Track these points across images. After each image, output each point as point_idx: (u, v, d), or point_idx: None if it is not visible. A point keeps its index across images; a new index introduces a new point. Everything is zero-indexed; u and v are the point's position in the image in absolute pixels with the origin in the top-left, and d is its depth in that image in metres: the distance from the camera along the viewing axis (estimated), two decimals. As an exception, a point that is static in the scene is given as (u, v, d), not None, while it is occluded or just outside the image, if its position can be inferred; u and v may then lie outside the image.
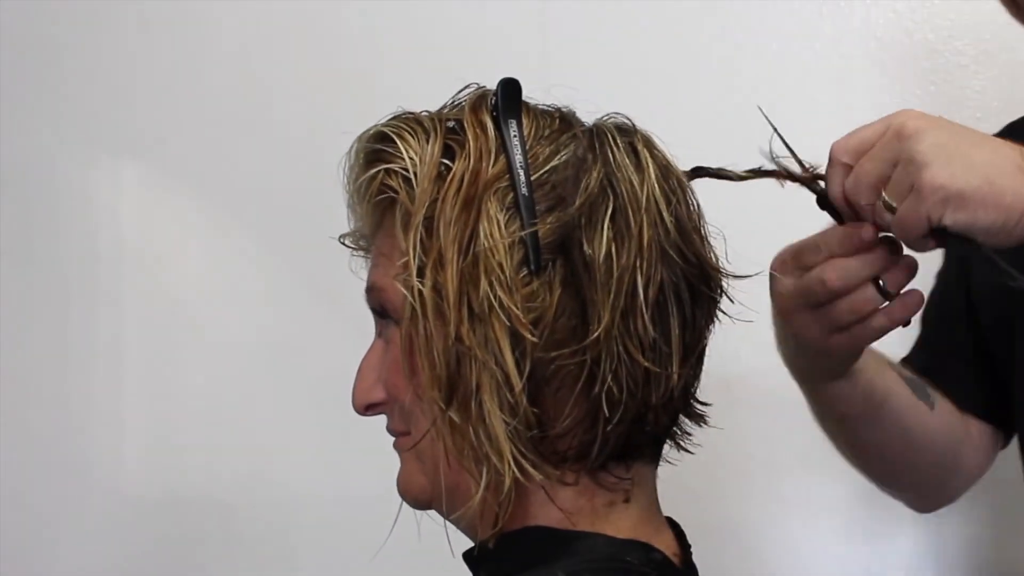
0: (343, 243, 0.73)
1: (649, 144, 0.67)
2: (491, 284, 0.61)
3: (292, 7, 1.42)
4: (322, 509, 1.40)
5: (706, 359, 0.70)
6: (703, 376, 0.71)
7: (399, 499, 0.72)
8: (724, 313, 0.69)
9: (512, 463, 0.61)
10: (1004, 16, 1.22)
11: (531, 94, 0.69)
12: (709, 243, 0.68)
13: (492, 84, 0.66)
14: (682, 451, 0.72)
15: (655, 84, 1.32)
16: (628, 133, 0.66)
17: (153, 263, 1.47)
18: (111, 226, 1.47)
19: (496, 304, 0.60)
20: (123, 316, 1.46)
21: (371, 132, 0.66)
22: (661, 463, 0.71)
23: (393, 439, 0.71)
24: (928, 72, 1.27)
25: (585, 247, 0.62)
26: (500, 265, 0.61)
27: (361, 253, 0.73)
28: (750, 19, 1.32)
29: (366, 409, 0.70)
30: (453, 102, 0.68)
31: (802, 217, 1.30)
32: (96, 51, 1.47)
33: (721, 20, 1.33)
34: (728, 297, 0.68)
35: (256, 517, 1.43)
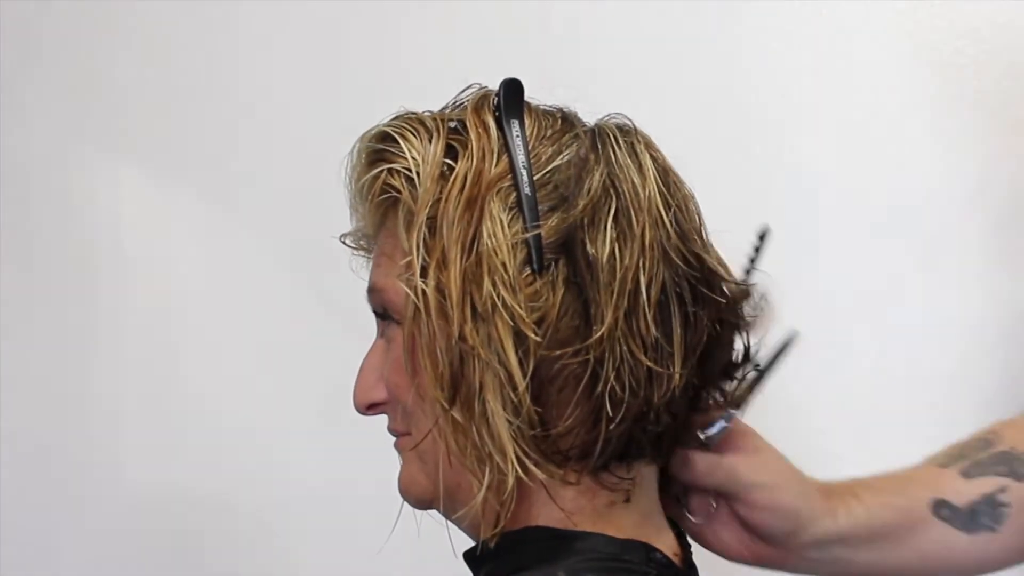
0: (344, 243, 0.73)
1: (649, 145, 0.67)
2: (494, 284, 0.61)
3: (293, 7, 1.42)
4: (322, 509, 1.40)
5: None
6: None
7: (400, 499, 0.72)
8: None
9: (515, 462, 0.61)
10: (1004, 16, 1.22)
11: (533, 94, 0.69)
12: (710, 244, 0.68)
13: (495, 84, 0.66)
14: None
15: (655, 84, 1.32)
16: (629, 134, 0.67)
17: (153, 263, 1.46)
18: (111, 226, 1.47)
19: (499, 303, 0.60)
20: (123, 316, 1.46)
21: (373, 132, 0.66)
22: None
23: (394, 439, 0.71)
24: (928, 72, 1.27)
25: (588, 247, 0.62)
26: (503, 265, 0.61)
27: (362, 253, 0.73)
28: (750, 19, 1.32)
29: (367, 408, 0.70)
30: (455, 102, 0.68)
31: (800, 218, 1.31)
32: (96, 51, 1.47)
33: (721, 20, 1.33)
34: (727, 298, 0.68)
35: (256, 517, 1.42)
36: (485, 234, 0.61)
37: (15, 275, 1.48)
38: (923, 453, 1.18)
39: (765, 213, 1.27)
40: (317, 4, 1.42)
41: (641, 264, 0.62)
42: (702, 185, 0.72)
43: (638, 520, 0.67)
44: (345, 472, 1.35)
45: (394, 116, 0.67)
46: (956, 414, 1.13)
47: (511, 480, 0.62)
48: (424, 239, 0.62)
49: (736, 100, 1.32)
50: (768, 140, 1.31)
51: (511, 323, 0.60)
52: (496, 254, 0.61)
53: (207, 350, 1.45)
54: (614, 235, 0.62)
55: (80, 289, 1.47)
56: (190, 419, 1.45)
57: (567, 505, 0.65)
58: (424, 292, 0.62)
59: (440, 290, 0.61)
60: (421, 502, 0.70)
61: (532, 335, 0.60)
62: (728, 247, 0.72)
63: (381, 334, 0.70)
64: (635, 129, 0.67)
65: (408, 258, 0.63)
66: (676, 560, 0.68)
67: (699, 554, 0.72)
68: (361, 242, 0.73)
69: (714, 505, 0.74)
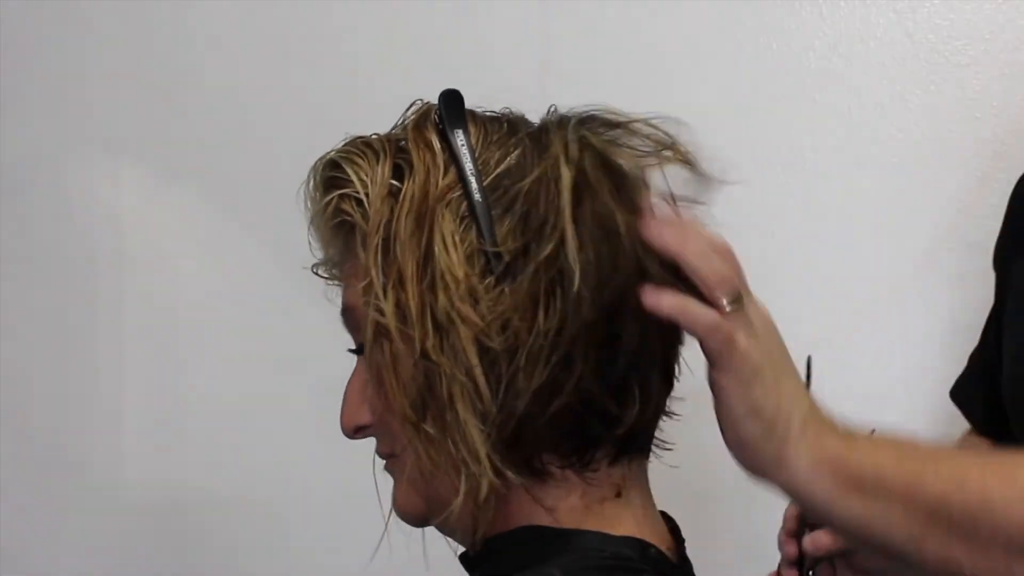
0: (316, 273, 0.73)
1: (584, 127, 0.67)
2: (450, 298, 0.61)
3: (294, 9, 1.42)
4: (322, 509, 1.40)
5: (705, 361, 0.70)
6: (702, 378, 0.71)
7: (398, 500, 0.72)
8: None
9: (488, 468, 0.62)
10: (1004, 16, 1.22)
11: (529, 95, 0.69)
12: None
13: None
14: (672, 445, 0.72)
15: (654, 85, 1.32)
16: (564, 125, 0.66)
17: (153, 263, 1.47)
18: (111, 226, 1.47)
19: (457, 316, 0.61)
20: (123, 316, 1.46)
21: (324, 160, 0.67)
22: (659, 463, 0.71)
23: (384, 462, 0.72)
24: (928, 72, 1.27)
25: (544, 247, 0.62)
26: (457, 277, 0.61)
27: (336, 283, 0.73)
28: (750, 19, 1.32)
29: (355, 432, 0.71)
30: (403, 121, 0.68)
31: (800, 218, 1.31)
32: (96, 51, 1.47)
33: (721, 20, 1.33)
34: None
35: (256, 517, 1.43)
36: (437, 249, 0.61)
37: (15, 275, 1.48)
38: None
39: (765, 213, 1.28)
40: (317, 6, 1.42)
41: (591, 259, 0.62)
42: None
43: (631, 515, 0.67)
44: (344, 472, 1.35)
45: (344, 142, 0.67)
46: (957, 415, 1.13)
47: (484, 485, 0.62)
48: (380, 260, 0.62)
49: (736, 101, 1.32)
50: (768, 140, 1.31)
51: (472, 334, 0.61)
52: (449, 268, 0.61)
53: (207, 350, 1.45)
54: (561, 229, 0.62)
55: (80, 289, 1.47)
56: (190, 419, 1.45)
57: (558, 503, 0.65)
58: (384, 312, 0.62)
59: (399, 309, 0.62)
60: (416, 520, 0.70)
61: (495, 345, 0.61)
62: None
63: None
64: (575, 119, 0.67)
65: (366, 280, 0.63)
66: (670, 554, 0.68)
67: (694, 550, 0.72)
68: (334, 271, 0.73)
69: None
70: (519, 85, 0.72)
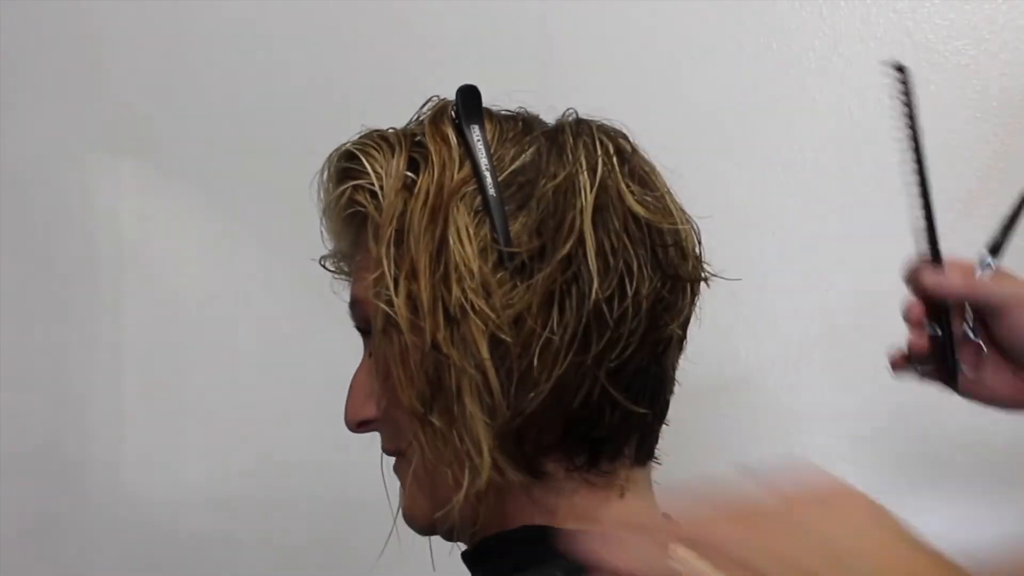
0: (324, 266, 0.73)
1: (607, 134, 0.67)
2: (464, 290, 0.61)
3: (294, 8, 1.42)
4: (323, 509, 1.40)
5: (705, 361, 0.70)
6: (702, 377, 0.71)
7: (399, 498, 0.72)
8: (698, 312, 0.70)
9: (489, 463, 0.62)
10: (1004, 16, 1.22)
11: (530, 95, 0.69)
12: (682, 229, 0.68)
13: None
14: (675, 448, 0.72)
15: (654, 85, 1.32)
16: (585, 130, 0.67)
17: (153, 263, 1.46)
18: (111, 226, 1.47)
19: (470, 309, 0.61)
20: (123, 316, 1.46)
21: (340, 151, 0.68)
22: (662, 466, 0.71)
23: (393, 463, 0.72)
24: (928, 72, 1.27)
25: (560, 245, 0.62)
26: (471, 270, 0.61)
27: (343, 277, 0.73)
28: (750, 19, 1.32)
29: (358, 426, 0.71)
30: (418, 116, 0.68)
31: (800, 218, 1.31)
32: (96, 51, 1.47)
33: (721, 20, 1.33)
34: (705, 280, 0.69)
35: (256, 517, 1.43)
36: (451, 241, 0.62)
37: (15, 275, 1.48)
38: (922, 453, 1.18)
39: (765, 213, 1.28)
40: (318, 6, 1.42)
41: (609, 262, 0.62)
42: (703, 186, 0.72)
43: (634, 516, 0.67)
44: (345, 472, 1.35)
45: (360, 134, 0.67)
46: (956, 414, 1.13)
47: (484, 478, 0.62)
48: (392, 251, 0.62)
49: (736, 100, 1.32)
50: (768, 140, 1.31)
51: (484, 327, 0.61)
52: (463, 260, 0.61)
53: (206, 350, 1.45)
54: (580, 231, 0.62)
55: (80, 289, 1.47)
56: (190, 419, 1.45)
57: (561, 503, 0.66)
58: (395, 303, 0.62)
59: (411, 300, 0.62)
60: (422, 522, 0.70)
61: (506, 337, 0.61)
62: (727, 248, 0.72)
63: (369, 351, 0.71)
64: (591, 122, 0.68)
65: (378, 271, 0.63)
66: (673, 557, 0.68)
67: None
68: (341, 264, 0.73)
69: (984, 350, 0.80)
70: (519, 85, 0.72)
